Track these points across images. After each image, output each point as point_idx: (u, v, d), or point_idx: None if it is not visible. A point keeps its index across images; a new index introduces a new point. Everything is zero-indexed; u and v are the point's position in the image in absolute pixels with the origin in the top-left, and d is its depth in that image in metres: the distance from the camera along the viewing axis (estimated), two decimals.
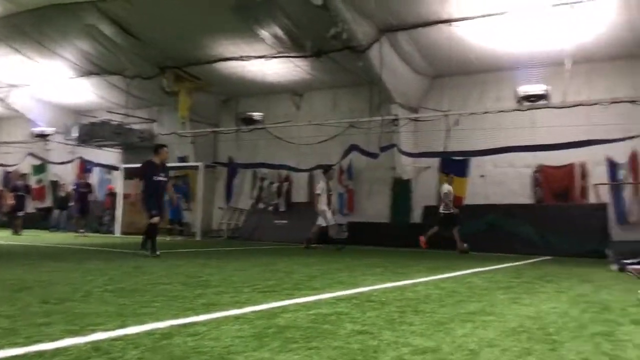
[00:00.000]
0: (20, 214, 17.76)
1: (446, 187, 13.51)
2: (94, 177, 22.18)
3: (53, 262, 7.95)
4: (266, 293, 5.16)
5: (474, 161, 15.49)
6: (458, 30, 13.21)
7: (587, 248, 12.49)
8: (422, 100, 16.19)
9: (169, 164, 10.79)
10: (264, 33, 14.82)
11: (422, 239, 13.59)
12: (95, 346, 2.89)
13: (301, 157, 17.72)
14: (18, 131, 23.92)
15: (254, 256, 10.61)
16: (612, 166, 13.97)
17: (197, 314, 3.91)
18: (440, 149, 14.46)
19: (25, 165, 22.98)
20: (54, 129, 21.48)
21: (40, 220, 22.00)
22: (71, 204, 19.70)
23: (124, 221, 19.26)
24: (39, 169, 24.06)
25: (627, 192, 13.90)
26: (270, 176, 18.98)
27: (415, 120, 15.76)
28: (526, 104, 13.17)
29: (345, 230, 16.07)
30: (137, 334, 3.22)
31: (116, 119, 19.91)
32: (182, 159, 19.63)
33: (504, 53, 13.96)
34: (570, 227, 13.17)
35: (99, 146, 20.78)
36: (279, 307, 4.32)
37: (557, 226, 13.40)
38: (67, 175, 22.70)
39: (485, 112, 14.04)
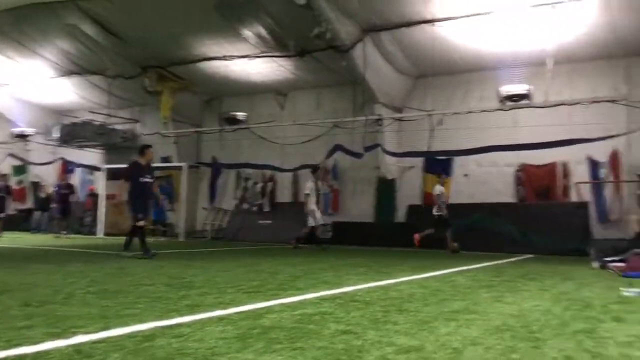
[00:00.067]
0: (1, 215, 17.49)
1: (438, 189, 13.31)
2: (76, 178, 22.01)
3: (34, 264, 7.83)
4: (250, 294, 5.14)
5: (458, 160, 15.60)
6: (441, 30, 13.27)
7: (569, 246, 12.65)
8: (405, 100, 16.23)
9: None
10: (247, 33, 14.76)
11: (417, 236, 13.26)
12: (77, 349, 2.85)
13: (285, 157, 17.72)
14: None
15: (238, 257, 10.56)
16: (593, 165, 14.17)
17: (181, 315, 3.89)
18: (424, 149, 14.51)
19: (6, 166, 22.63)
20: (34, 129, 21.25)
21: (21, 222, 21.71)
22: (52, 205, 19.45)
23: (107, 222, 19.10)
24: (20, 169, 23.76)
25: (608, 191, 14.10)
26: (255, 176, 18.94)
27: (399, 120, 15.81)
28: (509, 103, 13.31)
29: (329, 230, 16.07)
30: (120, 336, 3.18)
31: (98, 119, 19.71)
32: (165, 159, 19.48)
33: (487, 53, 14.06)
34: (553, 226, 13.30)
35: (81, 147, 20.55)
36: (263, 308, 4.30)
37: (540, 225, 13.51)
38: (48, 176, 22.49)
39: (469, 112, 14.16)
